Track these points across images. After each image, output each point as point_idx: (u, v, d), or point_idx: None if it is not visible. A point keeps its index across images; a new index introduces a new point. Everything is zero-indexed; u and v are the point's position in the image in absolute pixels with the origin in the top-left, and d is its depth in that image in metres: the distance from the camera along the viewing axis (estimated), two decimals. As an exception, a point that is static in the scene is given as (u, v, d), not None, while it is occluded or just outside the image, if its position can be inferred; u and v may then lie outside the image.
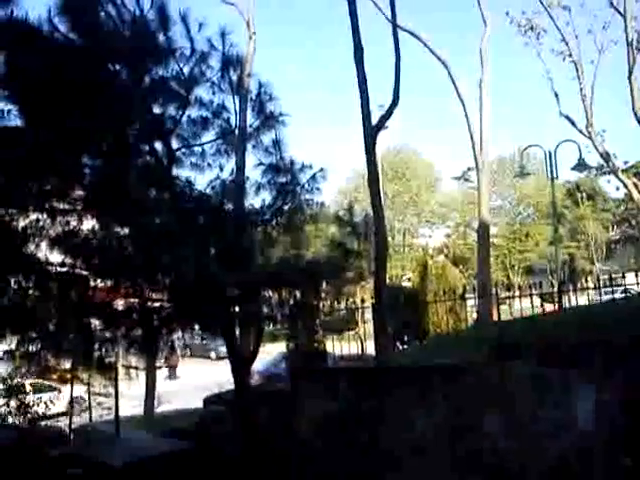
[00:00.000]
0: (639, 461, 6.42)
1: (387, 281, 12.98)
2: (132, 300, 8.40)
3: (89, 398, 12.08)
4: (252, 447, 8.50)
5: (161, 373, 23.51)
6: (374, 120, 10.91)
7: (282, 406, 9.20)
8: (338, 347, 10.23)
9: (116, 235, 8.04)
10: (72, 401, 12.14)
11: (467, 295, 11.54)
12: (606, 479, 6.60)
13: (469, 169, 52.55)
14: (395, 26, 11.94)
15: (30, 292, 7.65)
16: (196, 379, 23.83)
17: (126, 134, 8.01)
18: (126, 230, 8.10)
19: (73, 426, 11.97)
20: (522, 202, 61.31)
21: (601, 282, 10.45)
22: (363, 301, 10.58)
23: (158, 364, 18.13)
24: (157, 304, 8.42)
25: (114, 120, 7.46)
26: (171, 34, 8.20)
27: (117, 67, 8.02)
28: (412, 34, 24.05)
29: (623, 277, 8.87)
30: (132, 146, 8.17)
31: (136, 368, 10.04)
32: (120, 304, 8.38)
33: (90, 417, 12.12)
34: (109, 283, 8.08)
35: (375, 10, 23.24)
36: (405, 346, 15.94)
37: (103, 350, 8.06)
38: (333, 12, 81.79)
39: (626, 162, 41.70)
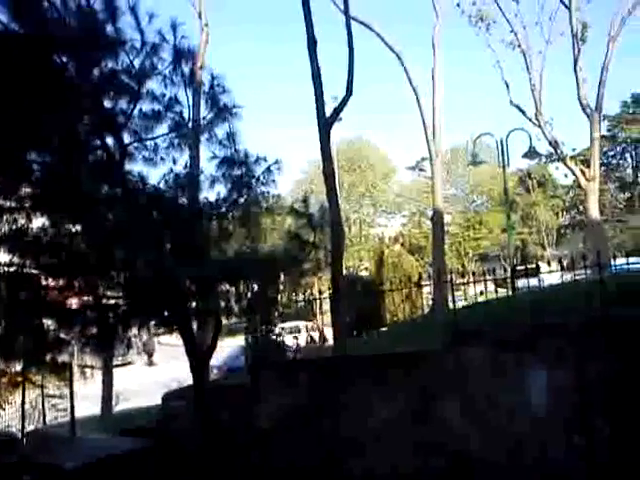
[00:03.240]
0: (592, 440, 6.66)
1: (344, 271, 13.07)
2: (86, 298, 8.24)
3: (43, 400, 11.79)
4: (212, 442, 8.48)
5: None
6: (328, 112, 10.94)
7: (242, 399, 9.19)
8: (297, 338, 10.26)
9: (68, 232, 7.87)
10: (24, 404, 11.83)
11: (423, 282, 11.70)
12: (560, 459, 6.82)
13: (423, 159, 53.18)
14: (348, 18, 11.97)
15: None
16: (155, 375, 23.57)
17: (76, 129, 7.82)
18: (78, 227, 7.93)
19: (26, 430, 11.67)
20: (475, 190, 62.43)
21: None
22: (321, 292, 10.63)
23: (115, 362, 17.87)
24: (113, 301, 8.29)
25: (63, 114, 7.27)
26: (120, 25, 8.02)
27: (64, 59, 7.80)
28: (365, 25, 24.14)
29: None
30: (83, 141, 7.99)
31: (92, 367, 9.85)
32: (74, 302, 8.21)
33: (44, 420, 11.83)
34: (62, 281, 7.91)
35: (329, 2, 23.23)
36: (363, 335, 16.08)
37: (56, 350, 7.89)
38: (287, 5, 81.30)
39: (574, 149, 42.91)
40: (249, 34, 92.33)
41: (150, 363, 28.25)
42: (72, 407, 11.41)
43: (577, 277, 8.59)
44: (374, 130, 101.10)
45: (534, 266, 9.49)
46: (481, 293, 11.12)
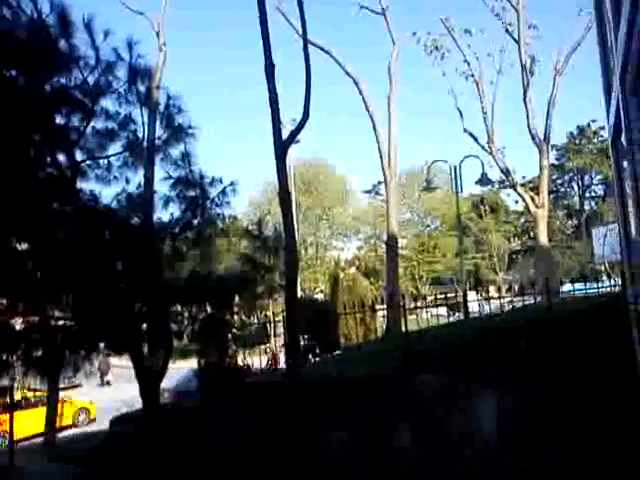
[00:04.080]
0: (538, 461, 6.76)
1: (299, 294, 13.03)
2: (32, 319, 7.97)
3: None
4: (162, 467, 8.26)
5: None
6: (285, 134, 10.99)
7: (193, 423, 9.00)
8: (250, 361, 10.14)
9: (14, 250, 7.63)
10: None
11: (377, 306, 11.76)
12: (507, 481, 6.90)
13: (379, 182, 53.88)
14: (305, 41, 12.09)
15: None
16: (104, 399, 22.86)
17: (25, 145, 7.63)
18: (25, 245, 7.70)
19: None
20: (430, 215, 63.45)
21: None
22: (275, 315, 10.57)
23: (62, 385, 17.26)
24: (61, 322, 8.05)
25: (10, 129, 7.09)
26: (74, 41, 7.92)
27: (13, 72, 7.63)
28: (323, 50, 24.49)
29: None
30: (32, 158, 7.80)
31: (35, 391, 9.50)
32: (18, 323, 7.92)
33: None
34: (5, 301, 7.64)
35: (287, 26, 23.51)
36: (317, 359, 16.02)
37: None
38: (246, 28, 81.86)
39: (524, 177, 44.29)
40: (207, 53, 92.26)
41: (103, 383, 27.74)
42: (11, 434, 10.97)
43: (526, 302, 8.79)
44: (331, 153, 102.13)
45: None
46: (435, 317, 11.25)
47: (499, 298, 10.27)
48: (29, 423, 16.69)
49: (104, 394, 24.10)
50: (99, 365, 22.19)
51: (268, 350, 13.73)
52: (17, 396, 15.34)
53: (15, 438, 16.21)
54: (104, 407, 15.04)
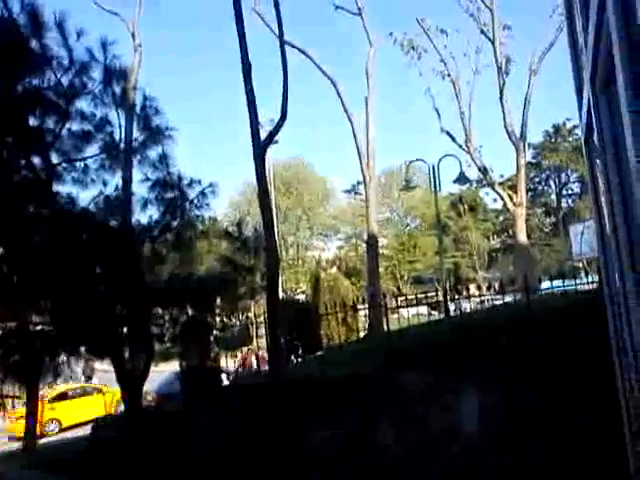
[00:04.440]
0: (522, 459, 6.82)
1: (281, 295, 13.00)
2: (10, 324, 7.87)
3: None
4: (146, 470, 8.19)
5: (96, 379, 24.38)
6: (263, 135, 10.97)
7: (177, 426, 8.93)
8: (232, 363, 10.10)
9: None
10: None
11: (358, 306, 11.80)
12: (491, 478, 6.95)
13: (359, 182, 53.99)
14: (282, 41, 12.08)
15: None
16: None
17: (-2, 147, 7.53)
18: (0, 249, 7.60)
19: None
20: (409, 214, 63.75)
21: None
22: (257, 316, 10.54)
23: (41, 392, 17.05)
24: (39, 327, 7.96)
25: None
26: (46, 41, 7.82)
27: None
28: (300, 51, 24.49)
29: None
30: (5, 160, 7.69)
31: (14, 397, 9.38)
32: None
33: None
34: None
35: (264, 26, 23.46)
36: (299, 359, 16.01)
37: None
38: (223, 29, 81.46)
39: (502, 175, 44.68)
40: (182, 53, 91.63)
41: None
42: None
43: (506, 300, 8.88)
44: (310, 153, 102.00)
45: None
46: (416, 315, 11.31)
47: (479, 296, 10.37)
48: (76, 412, 19.42)
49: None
50: (83, 370, 23.74)
51: (239, 354, 13.71)
52: (62, 388, 18.58)
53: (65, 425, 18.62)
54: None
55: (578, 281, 10.00)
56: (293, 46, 22.68)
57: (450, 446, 7.13)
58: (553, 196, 62.47)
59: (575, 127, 56.02)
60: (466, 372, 7.27)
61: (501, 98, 25.60)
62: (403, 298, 10.51)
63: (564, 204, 61.38)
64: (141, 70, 17.66)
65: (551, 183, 62.47)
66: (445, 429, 7.18)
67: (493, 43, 25.86)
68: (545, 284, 14.32)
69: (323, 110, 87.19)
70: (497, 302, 10.35)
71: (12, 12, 7.59)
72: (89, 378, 27.38)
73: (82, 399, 20.78)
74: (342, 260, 58.67)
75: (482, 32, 26.74)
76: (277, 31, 12.74)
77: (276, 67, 12.10)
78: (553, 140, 58.22)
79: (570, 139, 57.16)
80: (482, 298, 10.12)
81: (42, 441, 16.85)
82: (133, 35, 19.21)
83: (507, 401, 6.98)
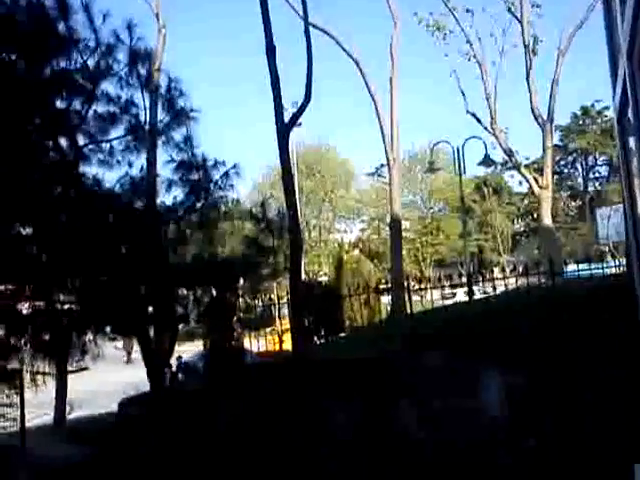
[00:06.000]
0: (544, 440, 6.80)
1: (303, 277, 13.05)
2: (38, 303, 8.02)
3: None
4: (170, 448, 8.35)
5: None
6: (287, 117, 10.95)
7: (200, 405, 9.07)
8: (256, 344, 10.19)
9: (18, 235, 7.66)
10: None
11: (381, 288, 11.81)
12: (510, 463, 6.94)
13: (382, 165, 53.66)
14: (307, 24, 12.00)
15: None
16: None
17: (27, 129, 7.62)
18: (29, 230, 7.73)
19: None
20: (433, 197, 63.32)
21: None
22: (280, 297, 10.60)
23: (70, 368, 17.40)
24: (67, 306, 8.10)
25: (11, 113, 7.07)
26: (73, 24, 7.86)
27: (12, 56, 7.59)
28: (324, 31, 24.28)
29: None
30: (34, 142, 7.79)
31: (44, 374, 9.60)
32: (25, 307, 7.98)
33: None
34: (11, 286, 7.68)
35: (287, 7, 23.28)
36: (322, 340, 16.10)
37: (6, 357, 7.66)
38: (245, 8, 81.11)
39: (527, 158, 44.08)
40: (207, 34, 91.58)
41: (129, 361, 28.48)
42: (22, 416, 11.08)
43: (531, 283, 8.80)
44: (334, 136, 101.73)
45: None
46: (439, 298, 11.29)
47: (503, 279, 10.28)
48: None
49: (128, 371, 24.51)
50: (124, 344, 25.29)
51: (274, 332, 13.80)
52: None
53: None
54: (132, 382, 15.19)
55: (605, 265, 9.86)
56: (316, 27, 22.48)
57: (468, 431, 7.13)
58: (580, 179, 61.51)
59: (605, 109, 55.01)
60: (489, 354, 7.25)
61: (527, 79, 25.14)
62: (427, 281, 10.45)
63: (590, 187, 60.43)
64: (165, 52, 17.71)
65: (577, 166, 61.51)
66: (466, 412, 7.18)
67: (521, 22, 25.33)
68: (570, 267, 14.16)
69: (346, 93, 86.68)
70: (521, 285, 10.27)
71: (40, -5, 7.67)
72: (128, 354, 28.52)
73: None
74: (364, 243, 58.64)
75: (509, 11, 26.22)
76: (301, 12, 12.67)
77: (299, 48, 12.05)
78: (581, 122, 57.13)
79: (599, 121, 56.09)
80: (506, 281, 10.02)
81: (71, 416, 17.26)
82: (157, 16, 19.22)
83: (530, 384, 6.95)
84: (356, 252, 42.14)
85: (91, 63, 8.17)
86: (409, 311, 9.31)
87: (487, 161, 20.07)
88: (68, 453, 9.48)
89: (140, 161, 8.95)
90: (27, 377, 9.53)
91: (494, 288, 10.45)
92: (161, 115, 8.99)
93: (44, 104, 7.69)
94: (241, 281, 9.46)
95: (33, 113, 7.60)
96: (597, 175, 61.31)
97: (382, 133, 24.26)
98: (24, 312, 7.90)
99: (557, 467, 6.65)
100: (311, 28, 13.15)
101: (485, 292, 11.06)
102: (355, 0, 79.17)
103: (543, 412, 6.88)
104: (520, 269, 8.93)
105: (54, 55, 7.71)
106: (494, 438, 7.04)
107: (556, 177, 50.04)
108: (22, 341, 7.72)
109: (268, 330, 12.91)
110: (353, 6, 77.22)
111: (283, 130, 10.39)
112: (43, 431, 13.90)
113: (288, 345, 11.94)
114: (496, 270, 49.45)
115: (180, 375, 14.33)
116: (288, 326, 11.59)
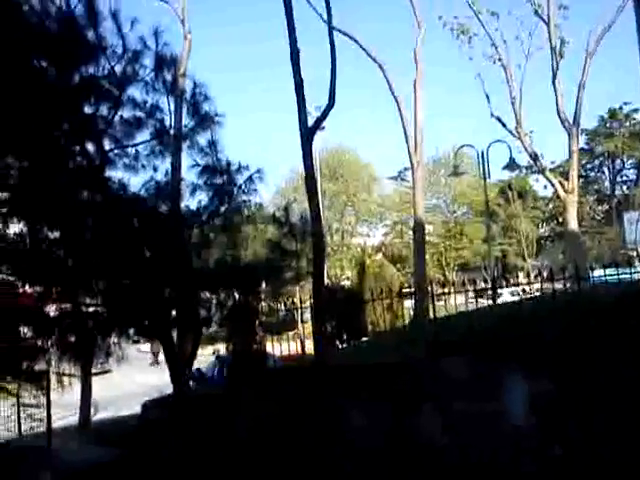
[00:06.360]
0: (571, 448, 6.69)
1: (326, 281, 13.04)
2: (65, 305, 8.14)
3: (18, 410, 11.57)
4: (192, 451, 8.40)
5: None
6: (311, 121, 10.97)
7: (222, 409, 9.10)
8: (278, 348, 10.20)
9: (46, 238, 7.78)
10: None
11: (405, 292, 11.74)
12: (534, 471, 6.84)
13: (405, 169, 53.47)
14: (331, 28, 12.02)
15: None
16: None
17: (55, 134, 7.75)
18: (56, 234, 7.85)
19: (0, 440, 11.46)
20: (457, 201, 62.85)
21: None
22: (302, 301, 10.60)
23: (94, 370, 17.64)
24: (92, 309, 8.21)
25: (41, 119, 7.20)
26: (101, 31, 8.01)
27: (43, 64, 7.74)
28: (348, 36, 24.29)
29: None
30: (62, 147, 7.92)
31: (70, 375, 9.73)
32: (52, 310, 8.10)
33: (19, 430, 11.61)
34: (39, 289, 7.81)
35: (311, 11, 23.34)
36: (344, 345, 16.06)
37: (33, 358, 7.78)
38: (270, 12, 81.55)
39: (553, 162, 43.60)
40: (230, 39, 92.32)
41: (155, 362, 29.13)
42: (49, 417, 11.23)
43: (555, 289, 8.66)
44: (357, 140, 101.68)
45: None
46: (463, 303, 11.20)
47: (528, 284, 10.16)
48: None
49: (151, 373, 24.91)
50: (151, 347, 26.29)
51: (296, 336, 13.81)
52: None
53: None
54: (155, 385, 15.33)
55: (633, 270, 9.67)
56: (340, 31, 22.49)
57: (492, 438, 7.04)
58: (607, 183, 60.56)
59: (634, 111, 54.15)
60: (514, 360, 7.15)
61: (554, 81, 24.83)
62: (451, 285, 10.36)
63: (618, 191, 59.46)
64: (190, 58, 17.85)
65: (604, 170, 60.56)
66: (490, 419, 7.10)
67: (548, 24, 25.03)
68: (597, 272, 13.92)
69: (369, 97, 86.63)
70: (546, 290, 10.13)
71: (70, 4, 7.83)
72: (155, 355, 29.05)
73: None
74: (387, 247, 58.43)
75: (536, 13, 25.92)
76: (325, 16, 12.69)
77: (322, 52, 12.06)
78: (608, 125, 56.27)
79: (627, 124, 55.20)
80: (531, 286, 9.90)
81: (95, 418, 17.48)
82: (182, 22, 19.40)
83: (556, 390, 6.85)
84: (379, 256, 41.99)
85: (118, 69, 8.30)
86: (433, 316, 9.23)
87: (512, 165, 19.90)
88: (93, 455, 9.59)
89: (165, 165, 9.06)
90: (53, 378, 9.68)
91: (524, 291, 10.34)
92: (186, 120, 9.11)
93: (73, 110, 7.83)
94: (264, 285, 9.49)
95: (62, 118, 7.73)
96: (625, 179, 60.33)
97: (406, 136, 24.15)
98: (51, 314, 8.02)
99: (583, 476, 6.54)
100: (335, 32, 13.17)
101: (522, 292, 10.88)
102: (378, 5, 79.19)
103: (569, 419, 6.76)
104: (545, 274, 8.79)
105: (83, 62, 7.86)
106: (518, 445, 6.94)
107: (582, 181, 49.37)
108: (49, 343, 7.83)
109: (291, 334, 12.93)
110: (376, 10, 77.24)
111: (307, 134, 10.40)
112: (69, 432, 14.08)
113: (311, 349, 11.92)
114: (521, 275, 48.88)
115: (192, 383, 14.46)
116: (311, 330, 11.57)
